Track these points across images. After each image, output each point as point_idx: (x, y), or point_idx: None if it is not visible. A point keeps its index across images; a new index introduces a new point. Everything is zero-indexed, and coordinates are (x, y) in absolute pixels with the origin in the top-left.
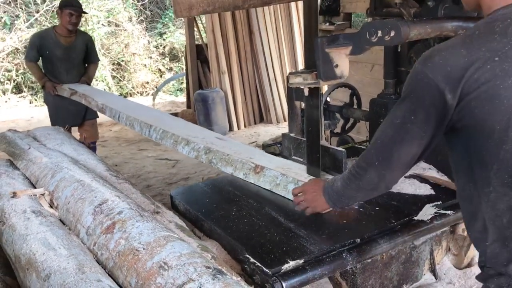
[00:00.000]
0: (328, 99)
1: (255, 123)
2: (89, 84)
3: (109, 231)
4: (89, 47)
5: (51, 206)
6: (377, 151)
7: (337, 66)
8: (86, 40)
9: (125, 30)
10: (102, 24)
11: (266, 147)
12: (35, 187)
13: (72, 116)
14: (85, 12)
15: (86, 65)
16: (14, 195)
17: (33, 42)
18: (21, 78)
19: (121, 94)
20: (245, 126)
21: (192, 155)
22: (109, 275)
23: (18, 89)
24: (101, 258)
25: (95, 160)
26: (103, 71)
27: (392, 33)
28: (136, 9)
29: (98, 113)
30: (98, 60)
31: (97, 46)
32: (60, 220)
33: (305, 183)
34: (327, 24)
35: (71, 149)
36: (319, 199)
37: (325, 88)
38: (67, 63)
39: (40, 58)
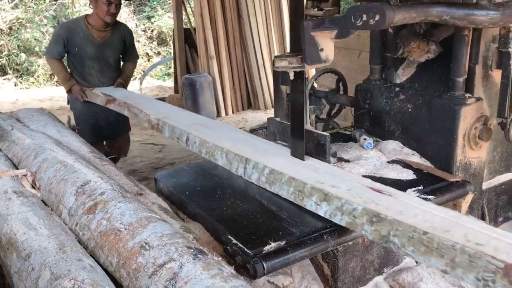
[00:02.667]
0: (315, 84)
1: (243, 109)
2: (125, 87)
3: (91, 212)
4: (128, 42)
5: (33, 187)
6: None
7: (322, 50)
8: (124, 34)
9: None
10: (89, 7)
11: (252, 132)
12: (17, 168)
13: (106, 127)
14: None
15: (122, 63)
16: None
17: (58, 35)
18: (6, 60)
19: None
20: (233, 112)
21: (342, 220)
22: (90, 255)
23: (2, 71)
24: (83, 238)
25: (78, 142)
26: None
27: (377, 17)
28: None
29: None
30: (137, 57)
31: None
32: (42, 201)
33: None
34: (316, 9)
35: (54, 130)
36: None
37: (312, 73)
38: (100, 63)
39: (66, 54)
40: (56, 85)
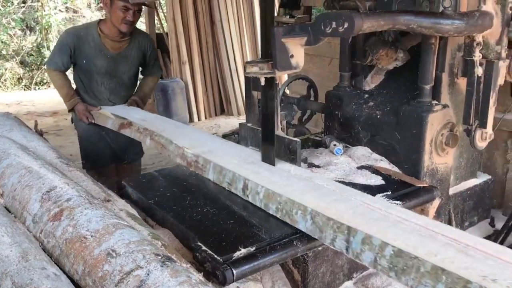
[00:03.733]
0: (287, 91)
1: (216, 115)
2: (141, 107)
3: (57, 219)
4: (148, 55)
5: None
6: None
7: (292, 56)
8: (144, 45)
9: (84, 16)
10: (59, 10)
11: (225, 137)
12: None
13: (117, 152)
14: (149, 6)
15: (141, 77)
16: None
17: (64, 42)
18: None
19: None
20: (205, 118)
21: None
22: (55, 263)
23: None
24: (48, 246)
25: (45, 147)
26: None
27: (346, 25)
28: None
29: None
30: (160, 72)
31: (54, 33)
32: (6, 207)
33: None
34: (288, 17)
35: (20, 135)
36: None
37: (283, 79)
38: (111, 79)
39: (72, 66)
40: (24, 89)
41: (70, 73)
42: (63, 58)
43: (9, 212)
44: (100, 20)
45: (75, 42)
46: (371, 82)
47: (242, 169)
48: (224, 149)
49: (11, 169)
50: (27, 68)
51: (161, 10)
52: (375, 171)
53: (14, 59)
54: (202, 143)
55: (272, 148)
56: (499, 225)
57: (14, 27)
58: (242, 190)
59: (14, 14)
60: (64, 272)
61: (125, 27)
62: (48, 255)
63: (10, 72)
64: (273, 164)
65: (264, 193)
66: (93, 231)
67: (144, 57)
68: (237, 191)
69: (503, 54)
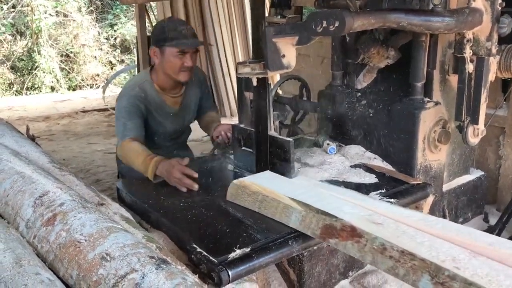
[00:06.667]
0: (279, 91)
1: None
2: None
3: (50, 223)
4: (204, 88)
5: None
6: None
7: (284, 56)
8: (197, 80)
9: (74, 20)
10: (50, 14)
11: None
12: None
13: None
14: (209, 44)
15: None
16: None
17: (131, 103)
18: None
19: (70, 87)
20: None
21: None
22: (49, 268)
23: None
24: (41, 251)
25: (37, 152)
26: (50, 63)
27: (337, 23)
28: None
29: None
30: (217, 107)
31: (44, 37)
32: None
33: None
34: (279, 17)
35: (12, 141)
36: None
37: (276, 79)
38: (180, 136)
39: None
40: (15, 94)
41: None
42: (137, 122)
43: (2, 218)
44: (151, 70)
45: (142, 100)
46: (363, 81)
47: None
48: None
49: (4, 175)
50: (18, 73)
51: (152, 13)
52: (369, 169)
53: (5, 64)
54: None
55: (265, 148)
56: (493, 220)
57: (4, 32)
58: None
59: (4, 19)
60: (59, 277)
61: (185, 75)
62: (42, 260)
63: (1, 77)
64: (267, 169)
65: None
66: (87, 235)
67: (201, 93)
68: None
69: (493, 50)
